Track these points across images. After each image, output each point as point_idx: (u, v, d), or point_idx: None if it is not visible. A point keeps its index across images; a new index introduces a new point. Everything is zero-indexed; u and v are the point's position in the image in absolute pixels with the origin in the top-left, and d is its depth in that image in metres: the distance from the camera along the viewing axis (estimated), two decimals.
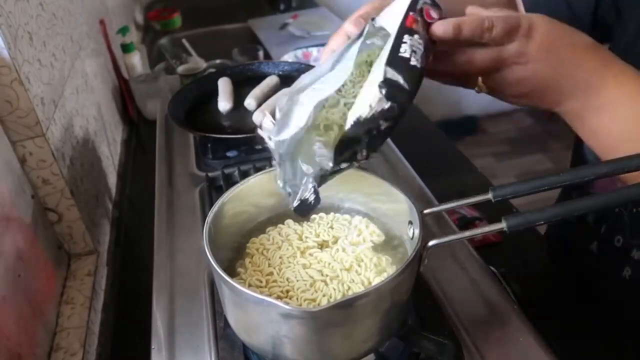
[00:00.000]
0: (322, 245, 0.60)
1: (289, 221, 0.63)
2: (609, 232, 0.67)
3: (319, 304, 0.51)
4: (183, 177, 0.92)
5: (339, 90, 0.49)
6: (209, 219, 0.55)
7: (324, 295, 0.53)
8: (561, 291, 0.80)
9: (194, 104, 1.06)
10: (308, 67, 1.07)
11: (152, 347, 0.61)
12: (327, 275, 0.55)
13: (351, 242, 0.59)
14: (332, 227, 0.62)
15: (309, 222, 0.63)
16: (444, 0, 0.50)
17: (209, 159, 0.96)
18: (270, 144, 0.52)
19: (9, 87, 0.65)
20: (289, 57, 1.45)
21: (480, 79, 0.51)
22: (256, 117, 0.97)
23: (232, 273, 0.58)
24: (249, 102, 1.02)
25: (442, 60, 0.50)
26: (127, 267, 0.93)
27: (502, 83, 0.50)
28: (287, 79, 1.06)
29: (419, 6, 0.49)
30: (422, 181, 0.87)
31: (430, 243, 0.50)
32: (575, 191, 0.73)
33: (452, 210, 0.87)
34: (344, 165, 0.47)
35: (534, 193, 0.53)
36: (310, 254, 0.58)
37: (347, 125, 0.46)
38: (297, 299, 0.53)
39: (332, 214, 0.64)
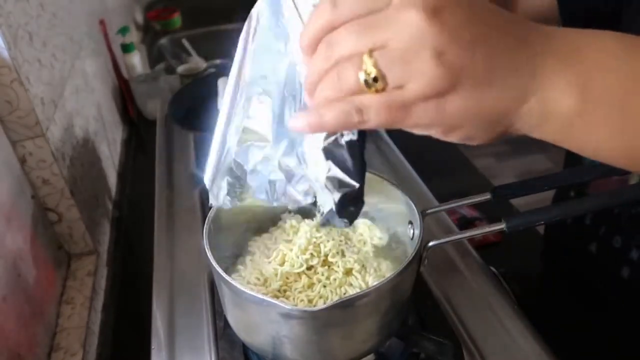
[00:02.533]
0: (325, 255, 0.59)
1: (292, 222, 0.63)
2: (608, 233, 0.67)
3: (314, 305, 0.51)
4: (183, 177, 0.92)
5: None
6: (209, 218, 0.55)
7: (320, 297, 0.53)
8: (561, 291, 0.80)
9: (194, 104, 1.06)
10: None
11: (152, 347, 0.61)
12: (325, 277, 0.54)
13: (353, 245, 0.59)
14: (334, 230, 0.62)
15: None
16: None
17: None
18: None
19: (9, 87, 0.65)
20: None
21: None
22: None
23: (233, 272, 0.58)
24: None
25: None
26: (127, 267, 0.93)
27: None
28: None
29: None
30: (422, 181, 0.87)
31: (430, 243, 0.50)
32: (573, 190, 0.73)
33: (452, 210, 0.87)
34: None
35: (534, 193, 0.54)
36: (312, 254, 0.58)
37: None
38: (293, 299, 0.53)
39: None
